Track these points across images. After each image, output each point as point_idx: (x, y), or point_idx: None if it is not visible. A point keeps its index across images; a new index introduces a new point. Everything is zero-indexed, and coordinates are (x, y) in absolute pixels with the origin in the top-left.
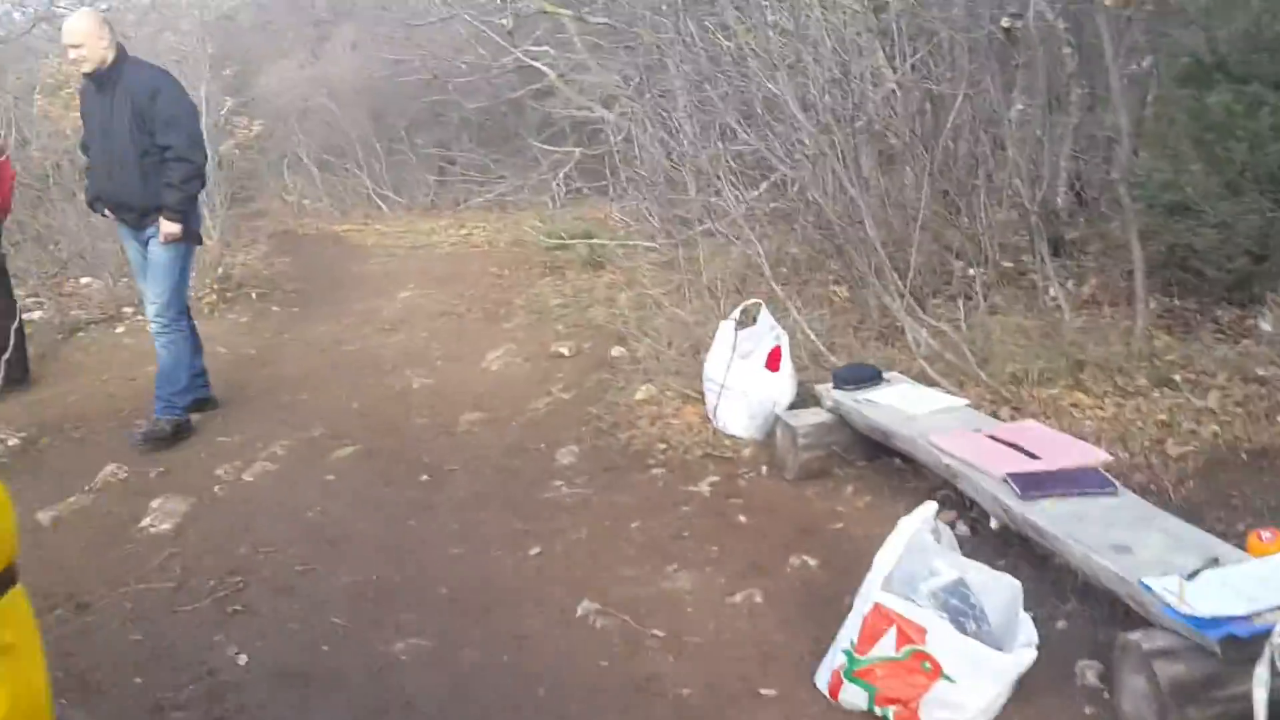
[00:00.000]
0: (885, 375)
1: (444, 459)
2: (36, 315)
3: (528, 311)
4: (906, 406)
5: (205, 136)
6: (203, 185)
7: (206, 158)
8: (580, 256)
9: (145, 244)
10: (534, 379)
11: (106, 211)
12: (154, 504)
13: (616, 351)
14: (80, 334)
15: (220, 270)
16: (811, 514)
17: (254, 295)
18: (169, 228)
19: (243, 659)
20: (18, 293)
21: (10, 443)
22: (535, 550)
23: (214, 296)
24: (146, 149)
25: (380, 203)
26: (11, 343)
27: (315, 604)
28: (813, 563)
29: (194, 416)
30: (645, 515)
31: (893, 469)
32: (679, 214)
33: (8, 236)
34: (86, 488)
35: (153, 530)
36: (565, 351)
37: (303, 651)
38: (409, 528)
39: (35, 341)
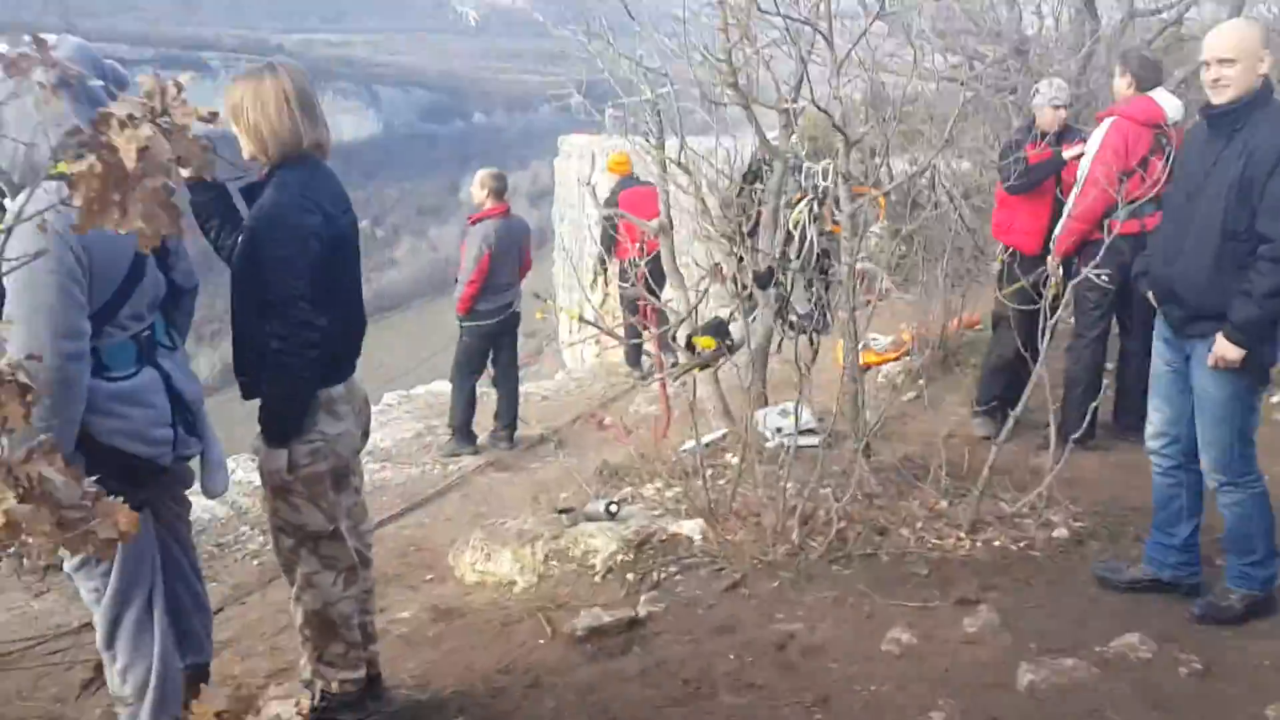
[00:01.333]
0: None
1: None
2: None
3: None
4: None
5: None
6: None
7: None
8: None
9: (1184, 357)
10: None
11: (1149, 294)
12: None
13: None
14: None
15: None
16: None
17: None
18: (1224, 350)
19: None
20: None
21: (1056, 532)
22: None
23: None
24: (1237, 232)
25: None
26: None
27: None
28: None
29: None
30: None
31: None
32: None
33: None
34: (1099, 648)
35: None
36: None
37: None
38: None
39: None
